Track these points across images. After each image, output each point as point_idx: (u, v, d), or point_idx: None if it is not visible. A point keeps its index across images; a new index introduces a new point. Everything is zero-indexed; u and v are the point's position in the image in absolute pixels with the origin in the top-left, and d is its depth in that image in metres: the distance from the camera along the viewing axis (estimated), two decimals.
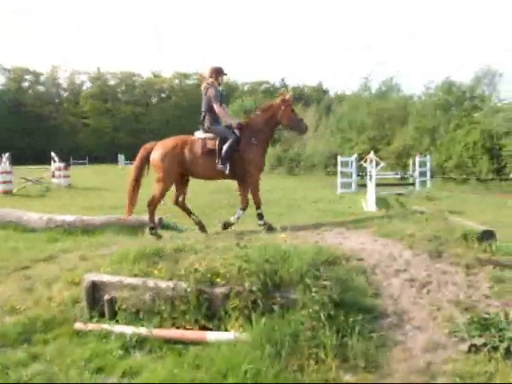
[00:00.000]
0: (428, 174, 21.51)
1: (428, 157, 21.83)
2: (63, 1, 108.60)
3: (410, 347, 3.86)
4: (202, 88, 7.10)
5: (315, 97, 65.05)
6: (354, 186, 19.45)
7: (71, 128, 63.91)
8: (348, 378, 3.54)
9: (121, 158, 47.97)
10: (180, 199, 7.22)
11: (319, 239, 6.11)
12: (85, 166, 49.59)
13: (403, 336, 4.01)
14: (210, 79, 7.04)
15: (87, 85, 69.44)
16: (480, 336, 3.72)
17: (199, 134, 7.04)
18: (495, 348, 3.61)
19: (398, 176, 21.12)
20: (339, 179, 19.35)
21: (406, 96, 31.22)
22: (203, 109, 7.02)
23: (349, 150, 29.56)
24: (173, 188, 7.12)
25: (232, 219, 7.07)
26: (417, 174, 20.78)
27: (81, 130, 64.29)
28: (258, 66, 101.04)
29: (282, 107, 7.01)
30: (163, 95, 70.14)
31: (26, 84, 67.23)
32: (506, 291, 4.68)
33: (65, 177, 20.84)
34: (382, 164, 17.80)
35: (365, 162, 17.53)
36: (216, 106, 6.87)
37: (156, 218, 7.39)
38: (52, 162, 22.88)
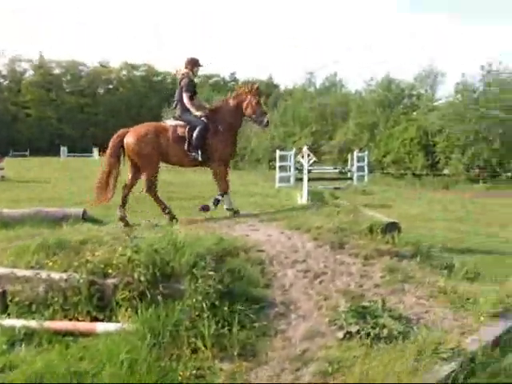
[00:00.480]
0: (366, 168, 22.06)
1: (366, 152, 22.37)
2: None
3: (290, 336, 3.93)
4: (178, 78, 7.21)
5: (265, 91, 65.24)
6: (292, 180, 19.61)
7: (12, 118, 61.05)
8: (223, 366, 3.58)
9: (63, 150, 46.25)
10: (130, 185, 7.06)
11: (229, 231, 6.12)
12: (25, 158, 47.67)
13: (287, 325, 4.08)
14: (185, 70, 7.13)
15: (30, 73, 66.46)
16: (356, 323, 3.84)
17: (170, 122, 7.16)
18: (368, 334, 3.74)
19: (337, 170, 21.47)
20: (277, 173, 19.52)
21: (349, 92, 31.90)
22: (176, 98, 7.16)
23: (292, 144, 29.88)
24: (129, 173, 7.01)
25: (210, 204, 7.05)
26: (355, 168, 21.23)
27: (22, 120, 61.44)
28: (209, 60, 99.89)
29: (248, 97, 7.01)
30: (110, 86, 68.12)
31: None
32: (397, 280, 4.87)
33: None
34: (315, 158, 18.08)
35: (301, 156, 17.70)
36: (185, 97, 6.98)
37: (80, 210, 7.38)
38: None
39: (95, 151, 45.43)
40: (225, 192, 7.14)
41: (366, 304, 4.10)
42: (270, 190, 18.37)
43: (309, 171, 20.37)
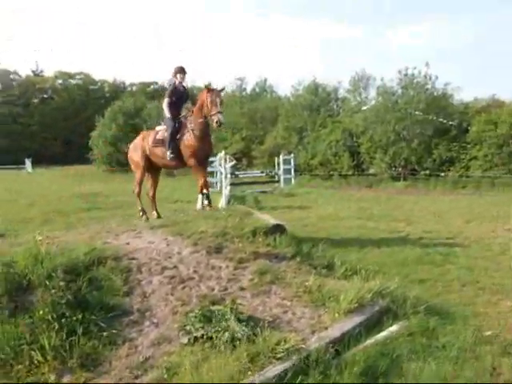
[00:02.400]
0: (292, 171, 22.45)
1: (292, 155, 22.77)
2: None
3: (139, 343, 3.92)
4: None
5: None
6: (218, 185, 19.63)
7: None
8: (64, 378, 3.51)
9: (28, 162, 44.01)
10: (151, 191, 8.59)
11: (112, 239, 6.00)
12: None
13: (137, 333, 4.06)
14: (171, 77, 8.07)
15: None
16: (202, 328, 3.84)
17: (157, 127, 8.28)
18: (210, 338, 3.75)
19: (263, 174, 21.76)
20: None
21: (277, 97, 32.33)
22: None
23: (223, 149, 29.88)
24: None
25: (205, 203, 7.73)
26: (281, 171, 21.58)
27: None
28: (147, 67, 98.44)
29: (206, 96, 7.39)
30: (45, 96, 65.44)
31: None
32: (265, 282, 4.95)
33: None
34: (234, 161, 18.29)
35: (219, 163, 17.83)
36: (164, 101, 7.93)
37: None
38: None
39: (28, 163, 43.44)
40: (205, 184, 7.78)
41: (214, 308, 4.10)
42: (196, 195, 18.29)
43: (236, 176, 20.68)
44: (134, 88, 64.23)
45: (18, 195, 18.24)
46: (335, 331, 4.00)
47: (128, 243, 5.79)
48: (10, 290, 4.28)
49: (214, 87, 7.70)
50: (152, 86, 63.22)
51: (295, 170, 26.13)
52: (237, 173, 21.13)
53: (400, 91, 23.99)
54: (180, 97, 8.03)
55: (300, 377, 3.34)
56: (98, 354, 3.74)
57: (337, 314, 4.26)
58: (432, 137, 22.81)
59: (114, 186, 24.44)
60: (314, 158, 25.62)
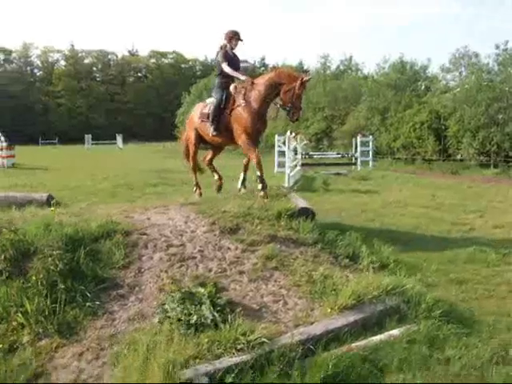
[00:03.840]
0: (370, 154, 21.42)
1: (370, 137, 21.71)
2: None
3: (116, 317, 3.91)
4: (216, 53, 7.22)
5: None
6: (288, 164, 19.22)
7: (44, 108, 62.48)
8: (41, 342, 3.65)
9: (87, 138, 46.92)
10: (208, 159, 8.03)
11: (138, 214, 5.99)
12: (54, 147, 48.91)
13: (119, 306, 4.04)
14: (223, 42, 7.08)
15: (61, 63, 67.86)
16: (176, 308, 3.68)
17: (208, 100, 7.49)
18: (179, 320, 3.58)
19: (339, 156, 20.93)
20: (276, 158, 19.18)
21: (361, 75, 30.96)
22: (216, 73, 7.39)
23: (305, 129, 29.34)
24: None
25: (238, 186, 7.44)
26: (358, 153, 20.67)
27: (54, 109, 62.72)
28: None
29: (295, 84, 6.44)
30: (139, 74, 68.73)
31: None
32: (268, 267, 4.67)
33: (8, 157, 20.53)
34: (306, 141, 17.72)
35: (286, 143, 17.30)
36: (224, 66, 6.92)
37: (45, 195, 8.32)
38: None
39: (119, 139, 45.81)
40: (259, 166, 6.68)
41: (195, 289, 3.87)
42: (267, 174, 18.08)
43: (310, 156, 20.14)
44: (244, 66, 65.02)
45: (99, 169, 19.27)
46: (319, 328, 3.59)
47: (149, 218, 5.77)
48: (17, 256, 4.42)
49: (307, 78, 6.67)
50: (242, 65, 63.85)
51: (377, 153, 25.03)
52: (311, 153, 20.54)
53: (497, 68, 21.81)
54: (231, 64, 7.00)
55: (252, 373, 3.02)
56: (78, 322, 3.82)
57: (329, 310, 3.84)
58: None
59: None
60: (397, 141, 24.27)
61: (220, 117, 6.86)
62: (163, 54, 69.19)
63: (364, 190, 14.16)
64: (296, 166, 16.10)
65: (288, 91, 6.51)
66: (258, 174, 6.70)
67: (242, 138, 6.70)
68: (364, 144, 21.22)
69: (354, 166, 20.45)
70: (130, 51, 70.87)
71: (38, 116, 59.68)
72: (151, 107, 61.55)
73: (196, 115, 7.50)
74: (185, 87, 46.28)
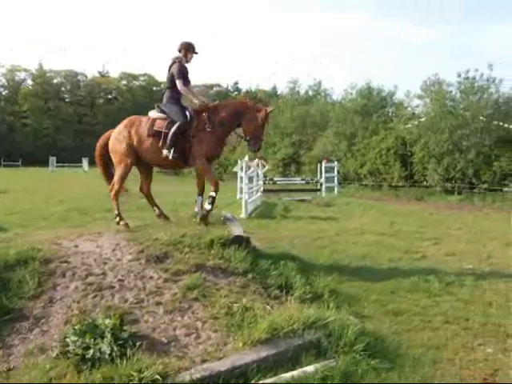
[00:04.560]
0: (335, 180, 21.45)
1: (335, 163, 21.78)
2: None
3: (14, 352, 3.68)
4: (168, 64, 6.71)
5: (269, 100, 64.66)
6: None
7: (8, 128, 61.11)
8: None
9: (52, 160, 46.11)
10: (144, 188, 7.11)
11: (66, 241, 5.73)
12: (17, 169, 47.95)
13: (20, 340, 3.81)
14: (179, 54, 6.68)
15: (28, 83, 66.89)
16: (75, 342, 3.42)
17: (151, 113, 6.69)
18: (76, 354, 3.35)
19: (303, 182, 20.89)
20: (238, 184, 18.98)
21: (329, 101, 31.30)
22: (166, 85, 6.76)
23: (272, 154, 29.38)
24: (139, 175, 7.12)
25: (207, 207, 6.55)
26: (323, 180, 20.67)
27: (19, 130, 61.47)
28: (210, 69, 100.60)
29: (257, 115, 6.43)
30: (109, 96, 68.27)
31: None
32: (188, 298, 4.44)
33: None
34: (268, 166, 17.64)
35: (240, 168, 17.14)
36: (178, 83, 6.48)
37: None
38: None
39: (85, 162, 45.13)
40: (216, 187, 6.48)
41: (98, 322, 3.60)
42: (228, 201, 17.87)
43: (274, 182, 20.06)
44: (196, 90, 65.15)
45: (57, 193, 18.81)
46: (225, 364, 3.35)
47: (76, 246, 5.52)
48: None
49: (270, 109, 6.70)
50: (215, 88, 64.20)
51: (344, 179, 25.13)
52: (275, 179, 20.48)
53: (458, 95, 22.26)
54: (187, 79, 6.69)
55: None
56: None
57: (241, 344, 3.60)
58: (492, 147, 20.99)
59: (154, 188, 24.60)
60: (363, 167, 24.42)
61: (183, 139, 6.42)
62: (134, 76, 68.97)
63: (324, 216, 14.05)
64: (256, 192, 15.94)
65: (250, 121, 6.46)
66: (214, 195, 6.49)
67: (201, 162, 6.47)
68: (329, 170, 21.25)
69: (319, 192, 20.44)
70: (100, 72, 70.60)
71: (3, 136, 58.30)
72: None
73: (138, 130, 6.56)
74: None
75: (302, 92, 33.35)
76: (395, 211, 16.63)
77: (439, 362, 4.09)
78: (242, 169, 13.51)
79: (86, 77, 68.23)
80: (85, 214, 12.38)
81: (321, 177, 20.90)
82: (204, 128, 6.43)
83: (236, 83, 72.37)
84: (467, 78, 21.98)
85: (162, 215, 7.01)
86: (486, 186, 21.02)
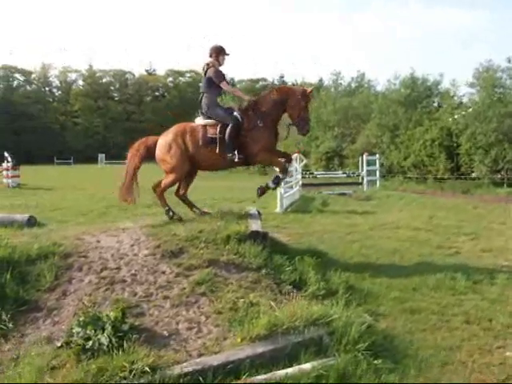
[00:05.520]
0: (377, 173, 21.00)
1: (377, 155, 21.31)
2: None
3: (25, 340, 3.86)
4: (202, 69, 6.85)
5: (315, 93, 64.13)
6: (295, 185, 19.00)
7: (61, 127, 63.65)
8: None
9: (101, 157, 47.59)
10: (181, 191, 7.07)
11: (89, 236, 5.92)
12: (68, 166, 49.81)
13: (32, 329, 4.00)
14: (210, 59, 6.78)
15: (79, 83, 69.50)
16: (78, 333, 3.55)
17: (199, 121, 6.77)
18: (78, 345, 3.48)
19: (344, 175, 20.58)
20: None
21: (372, 92, 30.59)
22: (202, 90, 6.82)
23: (315, 147, 29.12)
24: None
25: (270, 184, 6.77)
26: (364, 173, 20.29)
27: (71, 129, 63.93)
28: (256, 63, 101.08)
29: (299, 97, 6.51)
30: (157, 93, 69.69)
31: (15, 83, 67.47)
32: (195, 293, 4.52)
33: (13, 177, 20.75)
34: (305, 161, 17.48)
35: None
36: (224, 85, 6.68)
37: (26, 216, 7.44)
38: (5, 162, 21.71)
39: None
40: (283, 168, 6.73)
41: (102, 314, 3.72)
42: (266, 195, 17.83)
43: (314, 176, 19.92)
44: (243, 84, 65.44)
45: (102, 189, 19.32)
46: (218, 358, 3.37)
47: (98, 241, 5.70)
48: None
49: (309, 89, 6.73)
50: (260, 83, 64.26)
51: (388, 172, 24.59)
52: (316, 173, 20.32)
53: (509, 82, 21.26)
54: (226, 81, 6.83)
55: None
56: None
57: (239, 339, 3.61)
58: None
59: (197, 183, 24.79)
60: (407, 159, 23.79)
61: (239, 140, 6.45)
62: (180, 73, 69.99)
63: (361, 211, 13.78)
64: (294, 186, 15.86)
65: (293, 106, 6.51)
66: (280, 176, 6.76)
67: (261, 156, 6.61)
68: (371, 163, 20.82)
69: (360, 186, 20.10)
70: (147, 70, 72.09)
71: (56, 135, 60.67)
72: (169, 126, 61.94)
73: (192, 139, 6.57)
74: None
75: (345, 84, 32.80)
76: (437, 204, 16.13)
77: (450, 364, 3.93)
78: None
79: (134, 75, 69.98)
80: (124, 210, 12.64)
81: (362, 170, 20.53)
82: (256, 125, 6.48)
83: (282, 77, 72.21)
84: None
85: (203, 213, 6.93)
86: None
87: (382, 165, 21.33)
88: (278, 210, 13.06)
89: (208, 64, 6.71)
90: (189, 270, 4.86)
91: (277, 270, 5.23)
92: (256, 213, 6.92)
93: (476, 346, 4.31)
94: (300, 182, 17.10)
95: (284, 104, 6.57)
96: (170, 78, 70.33)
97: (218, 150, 6.39)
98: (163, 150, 6.63)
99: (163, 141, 6.70)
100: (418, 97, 25.40)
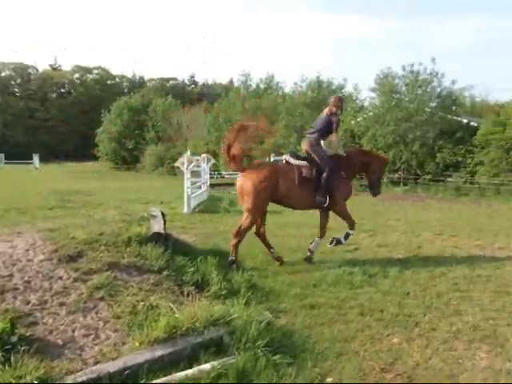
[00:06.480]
0: None
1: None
2: None
3: None
4: (325, 112, 7.30)
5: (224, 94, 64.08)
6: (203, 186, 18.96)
7: None
8: None
9: (0, 157, 44.34)
10: (261, 230, 7.25)
11: None
12: None
13: None
14: (334, 108, 7.22)
15: None
16: None
17: (290, 159, 7.13)
18: None
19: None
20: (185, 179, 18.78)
21: (280, 94, 31.43)
22: (317, 126, 7.28)
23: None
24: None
25: (311, 247, 7.38)
26: None
27: None
28: (166, 63, 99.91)
29: (381, 165, 7.71)
30: (62, 90, 66.10)
31: None
32: (93, 298, 4.35)
33: None
34: (213, 161, 17.55)
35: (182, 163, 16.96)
36: (335, 135, 7.26)
37: None
38: None
39: (36, 158, 43.67)
40: (354, 224, 7.43)
41: None
42: (174, 196, 17.62)
43: (222, 176, 20.04)
44: (153, 83, 64.03)
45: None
46: (116, 365, 3.29)
47: None
48: None
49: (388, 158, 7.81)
50: (171, 82, 63.28)
51: None
52: (224, 173, 20.45)
53: (404, 89, 22.78)
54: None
55: None
56: None
57: (137, 344, 3.55)
58: (435, 139, 21.59)
59: (105, 184, 24.28)
60: None
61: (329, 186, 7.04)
62: (88, 70, 67.00)
63: (268, 210, 14.04)
64: (201, 186, 15.85)
65: (375, 170, 7.56)
66: (350, 232, 7.51)
67: (342, 206, 7.34)
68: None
69: None
70: (51, 65, 68.17)
71: None
72: (75, 125, 59.13)
73: (287, 178, 6.81)
74: (111, 104, 44.92)
75: (254, 85, 33.31)
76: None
77: (344, 354, 4.14)
78: (183, 164, 13.32)
79: (37, 70, 65.77)
80: (23, 214, 11.92)
81: None
82: (340, 176, 7.14)
83: (192, 76, 71.75)
84: (412, 71, 22.53)
85: (278, 258, 7.20)
86: (429, 176, 21.66)
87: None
88: (185, 210, 12.99)
89: (335, 113, 7.21)
90: (87, 275, 4.69)
91: (179, 272, 5.21)
92: (159, 214, 6.83)
93: (368, 335, 4.59)
94: (208, 183, 17.13)
95: (367, 166, 7.50)
96: (77, 75, 66.89)
97: (308, 191, 6.88)
98: (255, 185, 6.61)
99: (254, 179, 6.65)
100: (323, 100, 26.37)
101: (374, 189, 7.75)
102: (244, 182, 6.70)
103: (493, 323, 4.91)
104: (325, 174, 6.89)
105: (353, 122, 24.76)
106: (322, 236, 7.45)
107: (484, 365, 3.99)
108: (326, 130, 7.21)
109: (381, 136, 22.21)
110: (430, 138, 21.62)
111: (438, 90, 22.51)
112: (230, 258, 6.54)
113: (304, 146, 7.34)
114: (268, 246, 7.30)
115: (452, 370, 3.90)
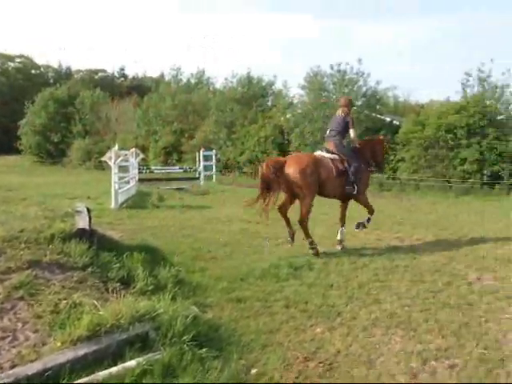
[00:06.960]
0: (214, 168, 21.58)
1: (214, 151, 21.90)
2: None
3: None
4: (339, 112, 8.25)
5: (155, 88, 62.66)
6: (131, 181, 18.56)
7: None
8: None
9: None
10: (287, 208, 7.85)
11: None
12: None
13: None
14: (346, 109, 8.22)
15: None
16: None
17: (326, 154, 8.00)
18: None
19: (181, 170, 20.73)
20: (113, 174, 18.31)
21: (211, 89, 31.39)
22: (334, 128, 8.18)
23: (154, 142, 28.81)
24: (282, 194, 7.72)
25: (339, 238, 8.36)
26: (201, 168, 20.68)
27: None
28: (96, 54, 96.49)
29: (382, 147, 8.88)
30: None
31: None
32: (12, 298, 4.13)
33: None
34: (141, 156, 17.32)
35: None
36: (353, 131, 8.13)
37: None
38: None
39: None
40: (372, 210, 8.42)
41: None
42: (101, 191, 17.16)
43: (151, 171, 19.70)
44: (81, 75, 61.29)
45: None
46: (35, 367, 3.19)
47: None
48: None
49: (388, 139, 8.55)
50: (100, 74, 61.05)
51: (225, 167, 25.39)
52: (153, 168, 20.14)
53: (332, 87, 23.48)
54: None
55: None
56: None
57: (59, 343, 3.46)
58: (361, 136, 22.41)
59: (29, 179, 23.18)
60: (243, 155, 24.85)
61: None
62: (9, 57, 63.06)
63: (196, 205, 14.07)
64: (129, 181, 15.54)
65: (377, 154, 8.69)
66: (370, 216, 8.49)
67: (365, 196, 8.37)
68: (208, 158, 21.31)
69: (197, 181, 20.44)
70: None
71: None
72: None
73: (326, 169, 7.71)
74: (36, 95, 42.54)
75: (185, 79, 32.97)
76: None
77: (269, 345, 4.26)
78: (110, 158, 12.98)
79: None
80: None
81: (199, 165, 20.89)
82: (362, 168, 8.14)
83: (122, 69, 69.56)
84: (339, 70, 23.26)
85: (293, 235, 7.93)
86: None
87: (218, 160, 21.96)
88: (112, 206, 12.70)
89: (347, 113, 8.18)
90: (5, 274, 4.47)
91: (104, 268, 5.11)
92: (85, 209, 6.65)
93: (293, 326, 4.74)
94: (137, 177, 16.81)
95: (373, 152, 8.57)
96: None
97: (342, 181, 7.80)
98: (302, 175, 7.42)
99: (300, 168, 7.43)
100: (254, 96, 26.66)
101: (381, 168, 9.16)
102: (289, 169, 7.40)
103: (408, 310, 5.24)
104: (352, 168, 7.85)
105: (282, 118, 25.19)
106: (342, 224, 8.38)
107: (398, 348, 4.26)
108: (343, 128, 8.12)
109: (309, 132, 22.74)
110: (357, 136, 22.37)
111: (364, 89, 23.39)
112: (309, 240, 7.70)
113: (329, 146, 8.11)
114: (288, 222, 7.90)
115: (370, 355, 4.13)
